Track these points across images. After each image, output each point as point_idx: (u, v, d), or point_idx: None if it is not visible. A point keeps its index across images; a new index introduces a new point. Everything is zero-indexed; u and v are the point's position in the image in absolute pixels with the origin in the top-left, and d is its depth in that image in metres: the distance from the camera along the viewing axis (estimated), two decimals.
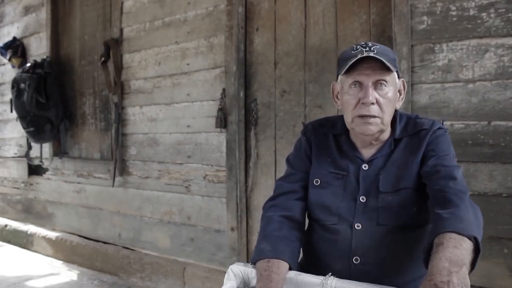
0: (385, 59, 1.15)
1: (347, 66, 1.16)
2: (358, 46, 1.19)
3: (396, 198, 1.17)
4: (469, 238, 0.96)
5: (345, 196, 1.23)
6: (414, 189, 1.17)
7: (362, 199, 1.21)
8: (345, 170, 1.25)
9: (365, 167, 1.24)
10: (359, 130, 1.21)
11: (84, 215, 3.60)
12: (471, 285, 1.08)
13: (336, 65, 1.27)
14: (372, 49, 1.16)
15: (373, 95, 1.16)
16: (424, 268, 1.20)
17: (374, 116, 1.17)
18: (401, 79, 1.26)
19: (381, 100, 1.17)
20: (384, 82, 1.17)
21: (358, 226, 1.19)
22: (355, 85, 1.19)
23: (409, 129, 1.25)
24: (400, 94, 1.25)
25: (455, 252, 0.92)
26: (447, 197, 1.08)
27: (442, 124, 1.26)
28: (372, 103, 1.16)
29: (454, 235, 0.96)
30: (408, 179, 1.18)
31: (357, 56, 1.15)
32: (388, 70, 1.16)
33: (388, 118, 1.20)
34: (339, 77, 1.24)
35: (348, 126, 1.25)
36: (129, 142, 3.24)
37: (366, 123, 1.18)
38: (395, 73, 1.20)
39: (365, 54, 1.14)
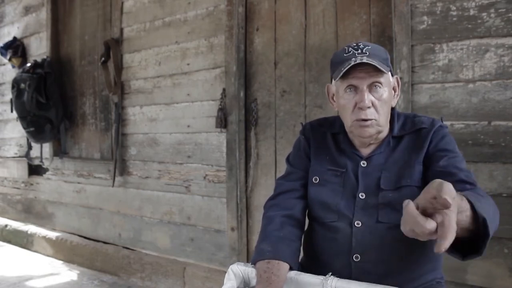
0: (378, 60, 1.15)
1: (342, 73, 1.16)
2: (350, 49, 1.18)
3: (397, 196, 1.16)
4: (479, 216, 0.87)
5: (345, 193, 1.22)
6: (416, 187, 1.16)
7: (362, 196, 1.20)
8: (343, 167, 1.25)
9: (363, 164, 1.24)
10: (357, 133, 1.21)
11: (84, 215, 3.60)
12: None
13: (330, 67, 1.27)
14: (364, 51, 1.16)
15: (368, 98, 1.16)
16: (424, 266, 1.20)
17: (371, 119, 1.18)
18: (395, 76, 1.26)
19: (376, 102, 1.17)
20: (379, 84, 1.17)
21: (358, 224, 1.19)
22: (350, 89, 1.19)
23: (408, 127, 1.25)
24: (395, 91, 1.26)
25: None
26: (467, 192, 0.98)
27: (442, 121, 1.25)
28: (369, 107, 1.16)
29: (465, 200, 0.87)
30: (410, 177, 1.17)
31: (350, 60, 1.15)
32: (381, 71, 1.16)
33: (384, 118, 1.20)
34: (333, 81, 1.24)
35: (347, 129, 1.26)
36: (129, 142, 3.24)
37: (364, 126, 1.18)
38: (389, 72, 1.20)
39: (358, 60, 1.13)
